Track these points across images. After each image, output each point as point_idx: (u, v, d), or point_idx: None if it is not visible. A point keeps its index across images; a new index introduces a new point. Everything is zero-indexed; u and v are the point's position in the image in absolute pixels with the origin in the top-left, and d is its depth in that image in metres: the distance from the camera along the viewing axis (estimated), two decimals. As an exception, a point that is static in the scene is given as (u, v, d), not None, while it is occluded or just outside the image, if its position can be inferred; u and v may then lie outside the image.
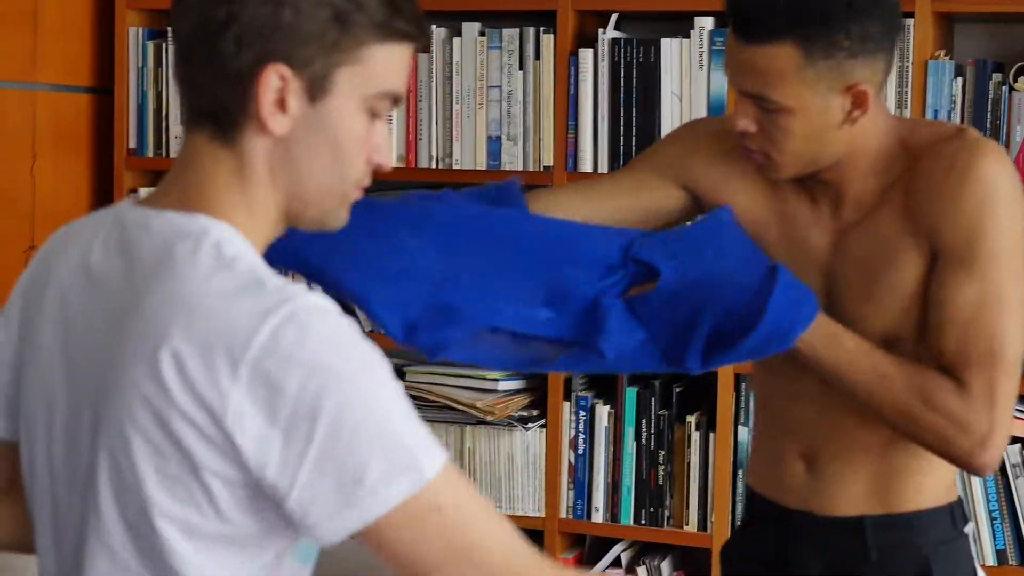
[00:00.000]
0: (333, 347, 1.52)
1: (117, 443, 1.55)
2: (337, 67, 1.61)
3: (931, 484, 2.32)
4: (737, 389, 3.70)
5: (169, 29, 4.06)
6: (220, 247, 1.58)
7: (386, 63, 1.65)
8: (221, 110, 1.62)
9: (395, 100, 1.68)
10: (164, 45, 4.12)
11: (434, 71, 3.91)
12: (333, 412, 1.50)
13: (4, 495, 1.82)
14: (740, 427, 3.71)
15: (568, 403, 3.86)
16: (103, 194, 4.17)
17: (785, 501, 2.39)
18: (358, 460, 1.50)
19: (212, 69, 1.61)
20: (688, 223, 2.39)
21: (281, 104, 1.60)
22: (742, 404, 3.71)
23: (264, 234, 1.66)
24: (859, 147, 2.21)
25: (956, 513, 2.35)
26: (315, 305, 1.53)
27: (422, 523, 1.53)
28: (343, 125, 1.63)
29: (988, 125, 3.49)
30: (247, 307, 1.52)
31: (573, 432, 3.86)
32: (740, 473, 3.71)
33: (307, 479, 1.51)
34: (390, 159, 1.71)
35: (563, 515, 3.86)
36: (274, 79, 1.59)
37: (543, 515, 3.86)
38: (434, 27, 3.91)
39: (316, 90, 1.61)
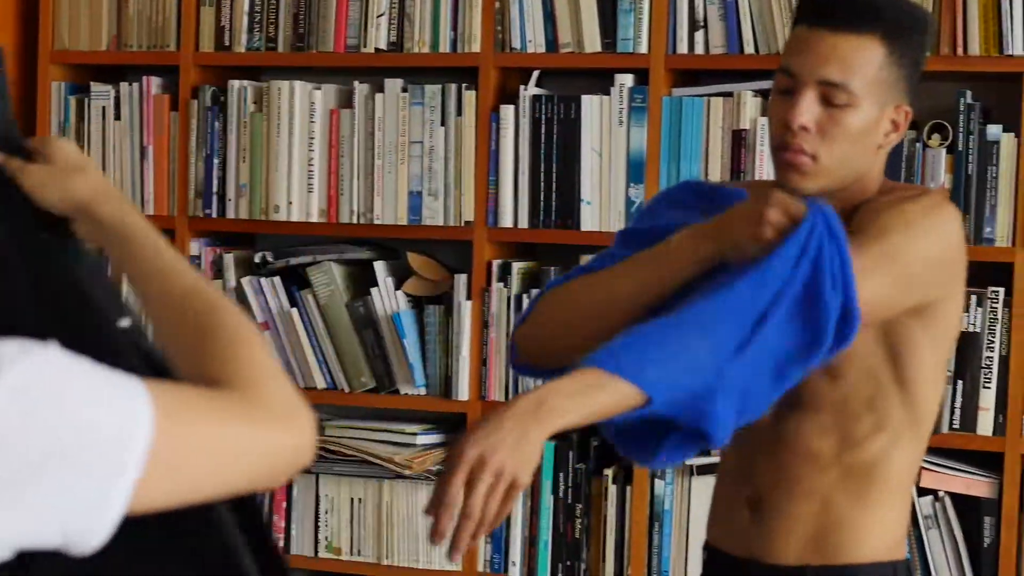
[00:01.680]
0: None
1: None
2: None
3: (874, 538, 2.32)
4: (655, 443, 3.72)
5: (91, 84, 4.07)
6: None
7: None
8: None
9: None
10: (87, 100, 4.12)
11: (356, 127, 3.93)
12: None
13: None
14: (657, 480, 3.73)
15: (487, 457, 3.86)
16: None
17: (734, 550, 2.38)
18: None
19: None
20: None
21: None
22: (659, 458, 3.73)
23: None
24: (862, 187, 2.27)
25: (900, 572, 2.35)
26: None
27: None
28: None
29: (903, 181, 3.56)
30: None
31: (491, 486, 3.86)
32: (656, 526, 3.73)
33: None
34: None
35: (480, 569, 3.87)
36: None
37: (460, 569, 3.86)
38: (356, 83, 3.94)
39: None
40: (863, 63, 2.18)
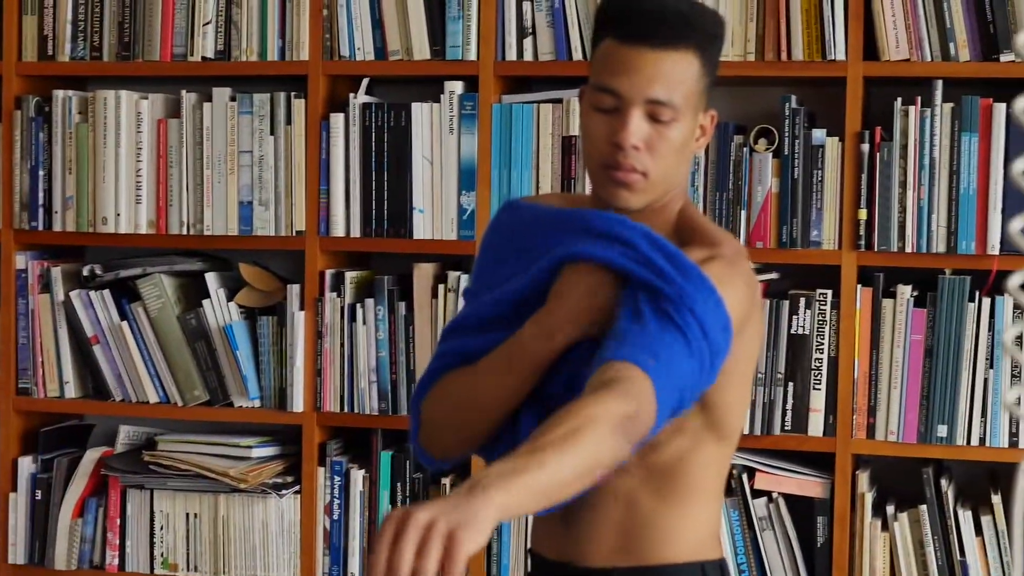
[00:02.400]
0: None
1: None
2: None
3: (681, 538, 2.32)
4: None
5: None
6: None
7: None
8: None
9: None
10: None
11: (184, 136, 3.88)
12: None
13: None
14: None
15: (323, 468, 3.84)
16: None
17: (551, 554, 2.38)
18: None
19: None
20: None
21: None
22: (496, 466, 3.72)
23: None
24: (672, 197, 2.29)
25: (709, 571, 2.34)
26: None
27: None
28: None
29: (731, 186, 3.58)
30: None
31: (328, 497, 3.84)
32: (494, 534, 3.72)
33: None
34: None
35: (319, 581, 3.84)
36: None
37: (299, 582, 3.83)
38: (183, 92, 3.88)
39: None
40: (684, 78, 2.20)
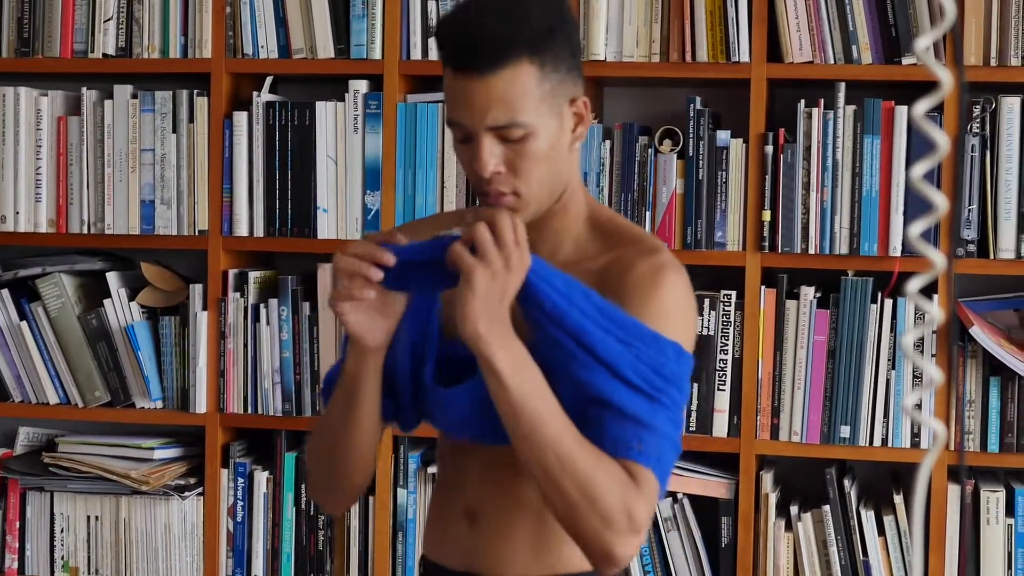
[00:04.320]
0: None
1: None
2: None
3: None
4: (396, 451, 3.71)
5: None
6: None
7: None
8: None
9: None
10: None
11: (85, 134, 3.83)
12: None
13: None
14: (400, 490, 3.71)
15: (226, 470, 3.80)
16: None
17: (450, 563, 2.35)
18: None
19: None
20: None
21: None
22: (401, 467, 3.71)
23: None
24: (568, 196, 2.25)
25: None
26: None
27: None
28: None
29: (636, 186, 3.58)
30: None
31: (231, 499, 3.80)
32: (400, 536, 3.71)
33: None
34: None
35: (222, 584, 3.81)
36: None
37: (202, 585, 3.80)
38: (84, 89, 3.83)
39: None
40: (522, 92, 2.11)
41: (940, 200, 1.36)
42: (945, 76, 1.35)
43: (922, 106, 1.37)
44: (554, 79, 2.14)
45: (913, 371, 3.49)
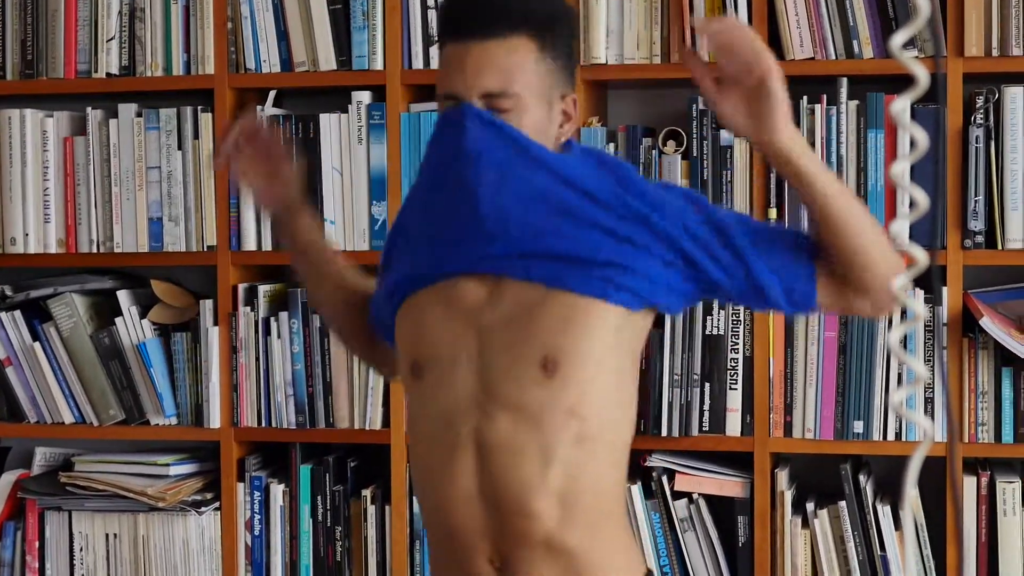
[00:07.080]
0: None
1: None
2: None
3: (612, 564, 2.29)
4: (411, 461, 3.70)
5: None
6: None
7: None
8: None
9: None
10: None
11: (91, 154, 3.84)
12: None
13: None
14: (415, 499, 3.71)
15: (242, 484, 3.81)
16: None
17: None
18: None
19: None
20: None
21: None
22: (416, 476, 3.71)
23: None
24: None
25: None
26: None
27: None
28: None
29: (641, 190, 3.58)
30: None
31: (248, 513, 3.81)
32: (417, 545, 3.71)
33: None
34: None
35: (242, 598, 3.81)
36: None
37: (222, 599, 3.81)
38: (89, 109, 3.85)
39: None
40: (519, 64, 2.17)
41: (921, 197, 1.36)
42: (922, 72, 1.35)
43: (898, 104, 1.38)
44: (550, 64, 2.20)
45: (924, 363, 3.48)
